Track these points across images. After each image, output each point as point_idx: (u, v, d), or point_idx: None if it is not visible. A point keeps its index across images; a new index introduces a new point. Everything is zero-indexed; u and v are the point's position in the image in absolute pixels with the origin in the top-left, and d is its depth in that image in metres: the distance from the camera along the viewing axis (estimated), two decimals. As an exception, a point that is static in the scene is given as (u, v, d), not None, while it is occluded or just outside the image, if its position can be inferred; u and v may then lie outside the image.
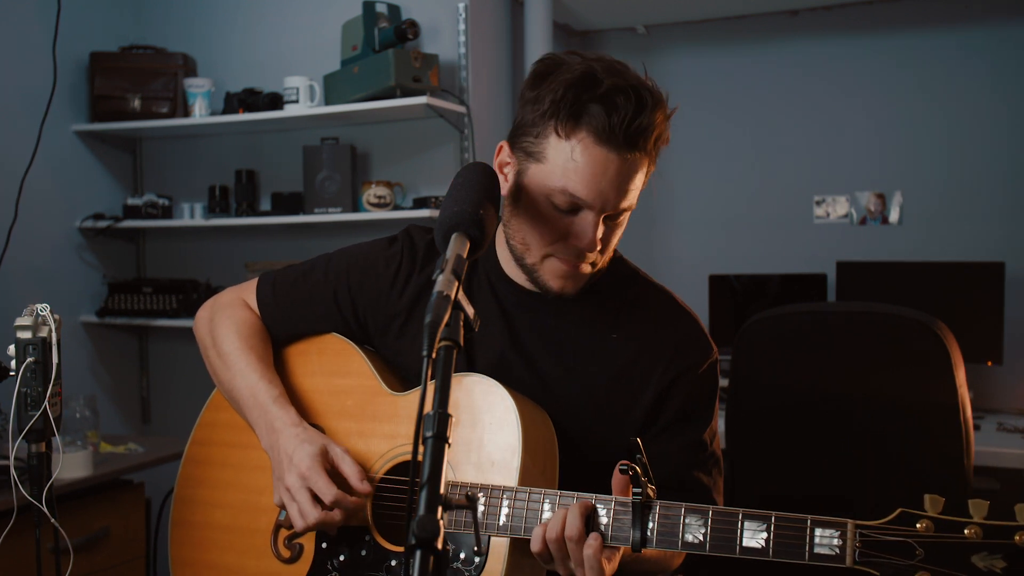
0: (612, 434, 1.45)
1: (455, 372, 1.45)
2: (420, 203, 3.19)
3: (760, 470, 2.21)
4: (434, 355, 0.98)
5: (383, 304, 1.57)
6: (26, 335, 1.49)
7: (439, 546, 0.85)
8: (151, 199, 3.53)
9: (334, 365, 1.59)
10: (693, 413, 1.49)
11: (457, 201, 1.23)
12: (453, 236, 1.18)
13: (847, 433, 2.07)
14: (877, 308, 2.17)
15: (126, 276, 3.72)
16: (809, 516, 1.15)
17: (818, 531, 1.14)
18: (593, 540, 1.22)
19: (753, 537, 1.17)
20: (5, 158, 3.16)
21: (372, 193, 3.23)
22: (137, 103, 3.45)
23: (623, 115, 1.29)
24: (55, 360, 1.50)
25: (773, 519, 1.17)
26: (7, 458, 1.93)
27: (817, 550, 1.14)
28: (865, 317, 2.17)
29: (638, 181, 1.37)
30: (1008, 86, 3.72)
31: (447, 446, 0.93)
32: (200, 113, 3.41)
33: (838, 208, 3.95)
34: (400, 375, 1.58)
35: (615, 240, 1.43)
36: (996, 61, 3.73)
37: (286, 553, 1.49)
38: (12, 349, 1.49)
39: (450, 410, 0.95)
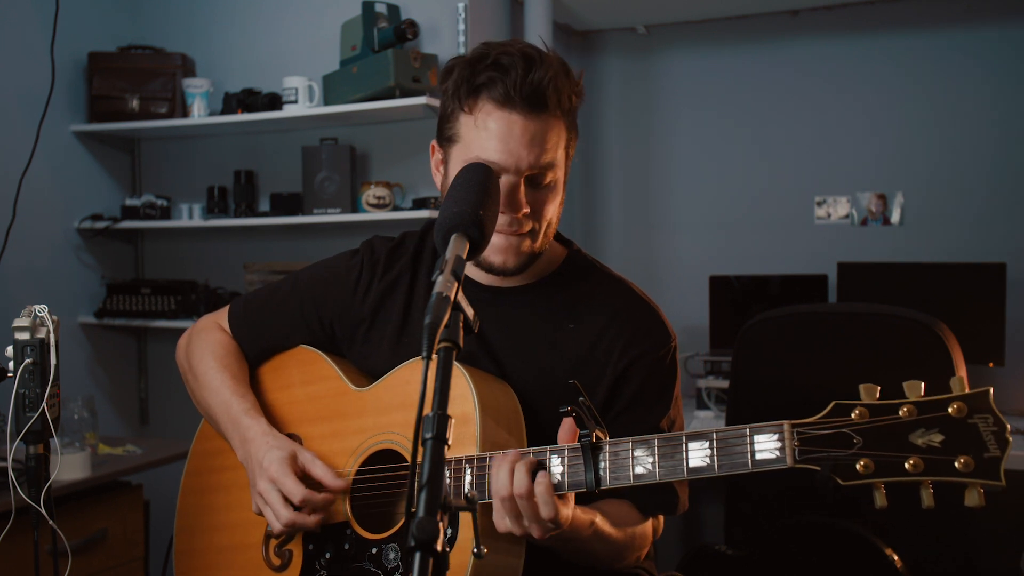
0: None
1: (410, 359, 1.47)
2: (419, 204, 3.19)
3: (761, 471, 2.21)
4: (434, 356, 0.98)
5: (347, 312, 1.62)
6: (24, 336, 1.49)
7: (439, 548, 0.85)
8: (149, 200, 3.52)
9: (305, 374, 1.63)
10: (649, 400, 1.50)
11: (457, 202, 1.23)
12: (452, 237, 1.18)
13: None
14: (878, 309, 2.16)
15: (124, 277, 3.71)
16: (748, 425, 1.16)
17: (757, 437, 1.15)
18: (542, 477, 1.23)
19: (698, 456, 1.18)
20: (3, 158, 3.15)
21: (371, 194, 3.22)
22: (135, 103, 3.44)
23: (514, 77, 1.36)
24: (53, 361, 1.50)
25: (714, 434, 1.18)
26: (5, 460, 1.92)
27: (759, 456, 1.14)
28: (866, 318, 2.17)
29: (553, 142, 1.41)
30: (1010, 87, 3.71)
31: (447, 447, 0.92)
32: (199, 113, 3.41)
33: (839, 209, 3.94)
34: (367, 377, 1.60)
35: (550, 210, 1.46)
36: (997, 62, 3.73)
37: (277, 561, 1.52)
38: (10, 350, 1.50)
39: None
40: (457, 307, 1.03)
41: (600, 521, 1.35)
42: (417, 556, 0.84)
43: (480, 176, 1.29)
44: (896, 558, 2.01)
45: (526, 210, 1.41)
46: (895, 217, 3.86)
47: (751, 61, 4.09)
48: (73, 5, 3.39)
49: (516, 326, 1.52)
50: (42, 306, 1.51)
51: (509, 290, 1.54)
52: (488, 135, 1.39)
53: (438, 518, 0.87)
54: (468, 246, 1.18)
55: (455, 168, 1.45)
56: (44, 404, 1.48)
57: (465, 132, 1.43)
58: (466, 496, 1.04)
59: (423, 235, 1.65)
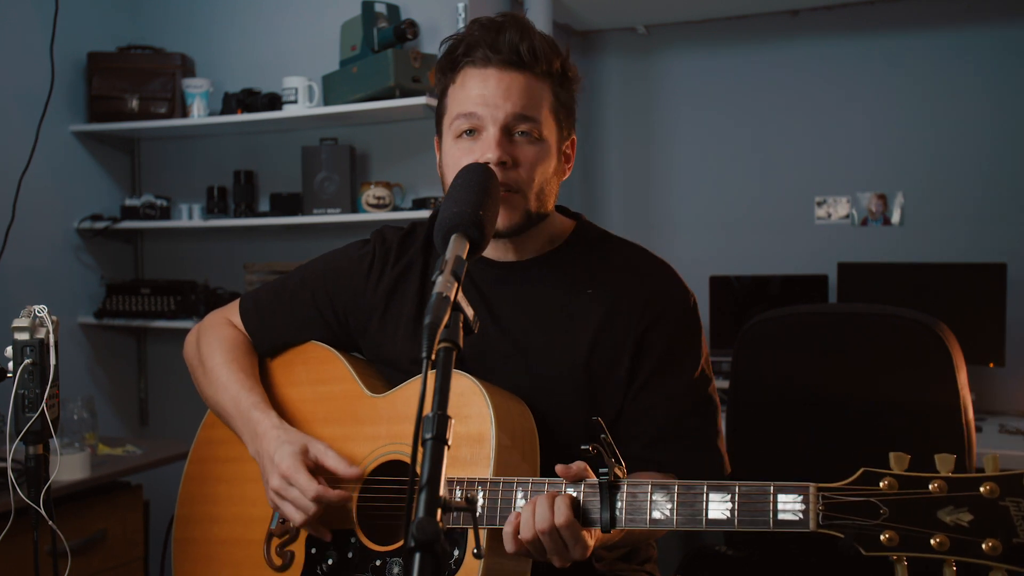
0: (597, 401, 1.46)
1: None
2: (419, 204, 3.19)
3: (760, 470, 2.20)
4: (433, 356, 0.97)
5: (360, 301, 1.60)
6: (24, 336, 1.48)
7: (438, 549, 0.84)
8: (149, 200, 3.52)
9: (317, 373, 1.61)
10: (677, 358, 1.49)
11: (457, 202, 1.23)
12: (452, 237, 1.18)
13: (848, 435, 2.07)
14: (879, 309, 2.16)
15: (124, 277, 3.71)
16: (772, 483, 1.13)
17: (781, 496, 1.12)
18: (562, 509, 1.20)
19: (718, 508, 1.16)
20: (3, 159, 3.15)
21: (371, 194, 3.22)
22: (135, 103, 3.44)
23: (488, 40, 1.43)
24: (53, 362, 1.50)
25: (737, 488, 1.15)
26: (5, 460, 1.92)
27: (781, 516, 1.12)
28: (867, 318, 2.16)
29: (534, 97, 1.44)
30: (1010, 87, 3.71)
31: (447, 448, 0.92)
32: (198, 113, 3.40)
33: (839, 209, 3.94)
34: (382, 375, 1.60)
35: (538, 169, 1.44)
36: (997, 62, 3.72)
37: (278, 561, 1.51)
38: (10, 351, 1.49)
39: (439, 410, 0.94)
40: (457, 307, 1.03)
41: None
42: (416, 557, 0.83)
43: (480, 176, 1.29)
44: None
45: (504, 157, 1.40)
46: (895, 217, 3.86)
47: (751, 61, 4.09)
48: (73, 5, 3.39)
49: (533, 300, 1.51)
50: (41, 306, 1.50)
51: (522, 264, 1.53)
52: (466, 92, 1.45)
53: (438, 518, 0.86)
54: (468, 246, 1.17)
55: (448, 143, 1.48)
56: (44, 404, 1.48)
57: (450, 100, 1.49)
58: (466, 497, 1.03)
59: (432, 223, 1.63)
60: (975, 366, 3.21)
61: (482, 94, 1.43)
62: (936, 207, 3.80)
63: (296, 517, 1.43)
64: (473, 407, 1.36)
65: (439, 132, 1.54)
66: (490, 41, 1.44)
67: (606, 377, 1.47)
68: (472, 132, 1.44)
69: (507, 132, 1.43)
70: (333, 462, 1.44)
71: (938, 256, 3.74)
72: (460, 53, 1.47)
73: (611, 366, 1.47)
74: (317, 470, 1.44)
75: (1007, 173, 3.70)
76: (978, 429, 3.10)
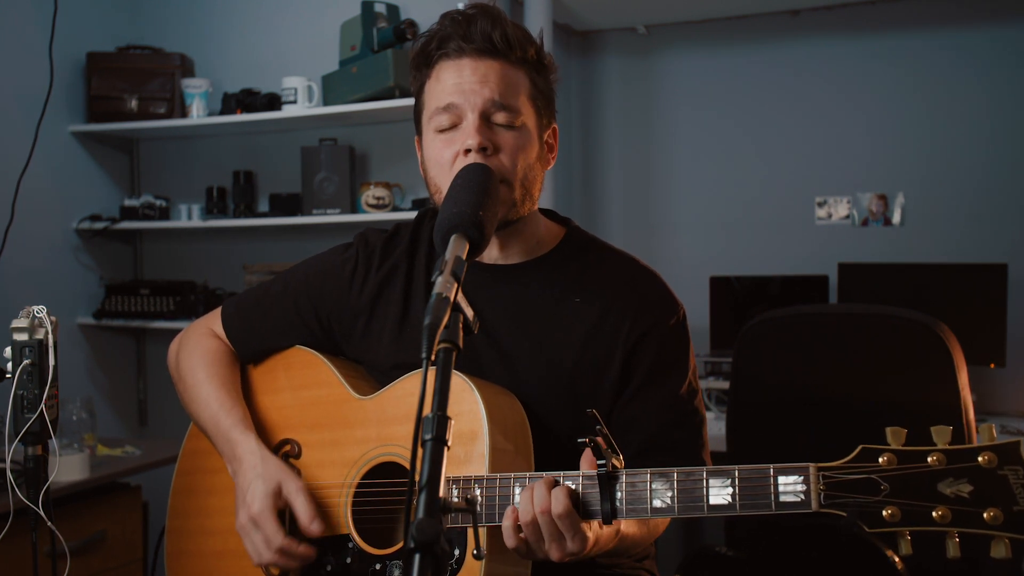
0: (582, 409, 1.44)
1: (413, 358, 1.44)
2: (419, 204, 3.19)
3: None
4: (433, 357, 0.97)
5: (345, 306, 1.58)
6: (23, 337, 1.48)
7: (438, 549, 0.84)
8: (148, 200, 3.52)
9: (302, 378, 1.59)
10: (666, 370, 1.48)
11: (456, 202, 1.22)
12: (452, 237, 1.17)
13: (848, 435, 2.06)
14: (879, 310, 2.16)
15: (123, 278, 3.71)
16: (772, 465, 1.13)
17: (781, 479, 1.12)
18: (559, 494, 1.19)
19: (719, 494, 1.15)
20: (2, 159, 3.15)
21: (371, 194, 3.21)
22: (134, 104, 3.44)
23: (460, 32, 1.41)
24: (52, 362, 1.50)
25: (737, 472, 1.15)
26: (4, 461, 1.92)
27: (783, 499, 1.12)
28: (867, 319, 2.17)
29: (510, 84, 1.42)
30: (1011, 87, 3.70)
31: (446, 448, 0.92)
32: (198, 114, 3.40)
33: (840, 209, 3.94)
34: (368, 378, 1.58)
35: (520, 157, 1.42)
36: (998, 62, 3.72)
37: (275, 571, 1.48)
38: (8, 351, 1.49)
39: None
40: (457, 308, 1.02)
41: (624, 526, 1.32)
42: (416, 558, 0.83)
43: (480, 176, 1.28)
44: (897, 559, 2.01)
45: (484, 143, 1.38)
46: (896, 218, 3.86)
47: (751, 61, 4.09)
48: (72, 5, 3.38)
49: (520, 304, 1.49)
50: (41, 307, 1.50)
51: (509, 268, 1.51)
52: (443, 85, 1.42)
53: (438, 519, 0.86)
54: (468, 246, 1.16)
55: (428, 139, 1.45)
56: (43, 405, 1.47)
57: (427, 96, 1.46)
58: (466, 498, 1.02)
59: (417, 224, 1.61)
60: (975, 366, 3.20)
61: (458, 83, 1.41)
62: (936, 207, 3.80)
63: (254, 558, 1.42)
64: (464, 404, 1.34)
65: (419, 131, 1.52)
66: (462, 32, 1.41)
67: (592, 386, 1.45)
68: (452, 125, 1.42)
69: (486, 119, 1.40)
70: (301, 509, 1.41)
71: (938, 256, 3.73)
72: (433, 47, 1.44)
73: (598, 376, 1.46)
74: (288, 513, 1.43)
75: (1007, 173, 3.70)
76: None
